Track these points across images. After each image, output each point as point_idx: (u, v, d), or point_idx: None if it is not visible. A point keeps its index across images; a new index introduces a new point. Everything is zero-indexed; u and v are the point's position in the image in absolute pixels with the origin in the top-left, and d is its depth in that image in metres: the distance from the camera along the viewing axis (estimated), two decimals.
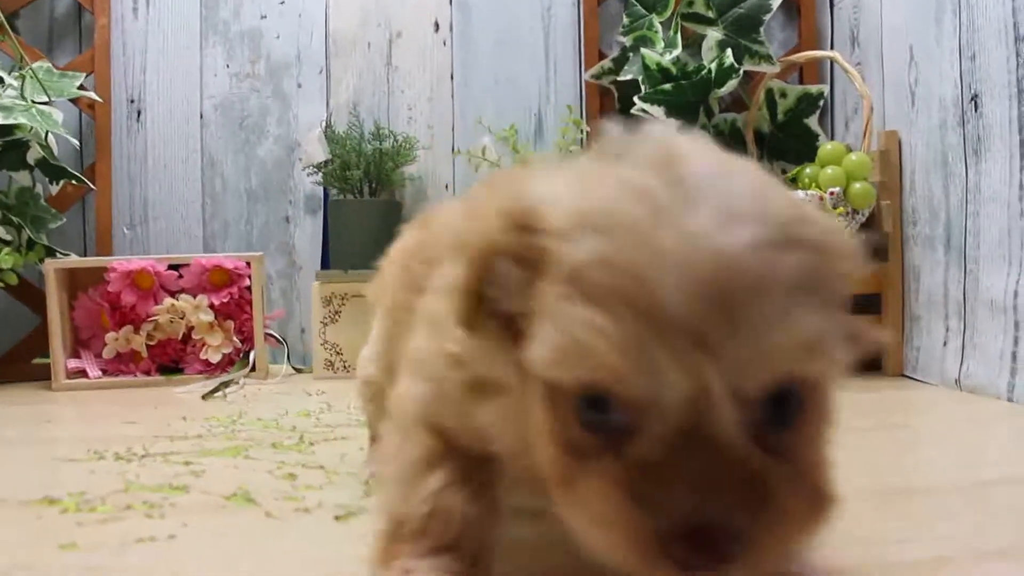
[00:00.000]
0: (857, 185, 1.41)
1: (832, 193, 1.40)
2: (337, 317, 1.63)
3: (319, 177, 1.78)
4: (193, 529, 0.68)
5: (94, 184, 1.80)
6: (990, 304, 1.23)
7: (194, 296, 1.62)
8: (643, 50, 1.57)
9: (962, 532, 0.63)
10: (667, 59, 1.55)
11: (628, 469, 0.32)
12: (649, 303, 0.30)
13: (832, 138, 1.74)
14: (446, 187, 1.90)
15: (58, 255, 1.65)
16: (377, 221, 1.69)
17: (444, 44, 1.91)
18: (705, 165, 0.33)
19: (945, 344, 1.35)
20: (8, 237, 1.58)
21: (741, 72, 1.54)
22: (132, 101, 1.90)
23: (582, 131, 1.69)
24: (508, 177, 0.45)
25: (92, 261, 1.66)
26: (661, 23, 1.64)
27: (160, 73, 1.91)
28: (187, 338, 1.63)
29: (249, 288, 1.64)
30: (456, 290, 0.38)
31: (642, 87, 1.56)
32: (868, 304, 1.50)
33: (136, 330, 1.61)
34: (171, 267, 1.64)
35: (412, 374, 0.49)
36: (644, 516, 0.31)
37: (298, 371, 1.78)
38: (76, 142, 1.74)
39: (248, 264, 1.64)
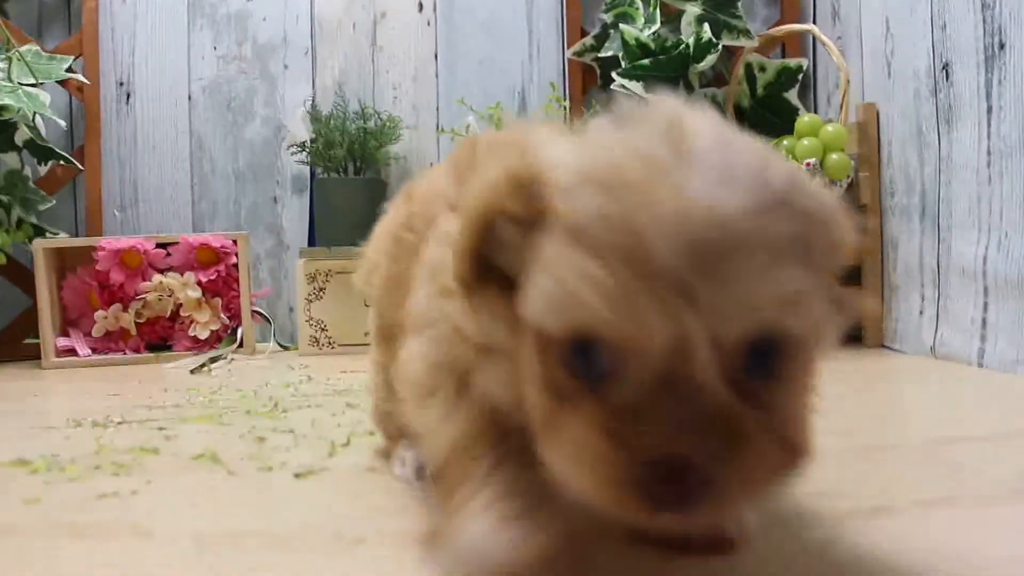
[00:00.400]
0: (833, 156, 1.42)
1: (808, 165, 1.41)
2: (322, 294, 1.66)
3: (304, 156, 1.80)
4: (156, 486, 0.70)
5: (84, 166, 1.82)
6: (961, 271, 1.24)
7: (181, 274, 1.64)
8: (622, 26, 1.58)
9: (905, 485, 0.65)
10: (646, 35, 1.56)
11: (608, 411, 0.33)
12: (639, 255, 0.31)
13: (815, 112, 1.75)
14: (431, 165, 1.91)
15: (47, 235, 1.67)
16: (362, 199, 1.71)
17: (428, 24, 1.93)
18: (709, 134, 0.34)
19: (921, 313, 1.37)
20: None
21: (720, 47, 1.55)
22: (121, 84, 1.92)
23: (564, 108, 1.70)
24: (506, 140, 0.45)
25: (80, 241, 1.69)
26: (642, 0, 1.65)
27: (149, 56, 1.93)
28: (175, 316, 1.66)
29: (236, 266, 1.66)
30: (456, 251, 0.39)
31: (622, 63, 1.57)
32: (848, 275, 1.50)
33: (125, 308, 1.63)
34: (159, 246, 1.66)
35: (417, 331, 0.48)
36: (619, 454, 0.32)
37: (285, 348, 1.81)
38: (63, 123, 1.76)
39: (235, 242, 1.67)
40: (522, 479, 0.42)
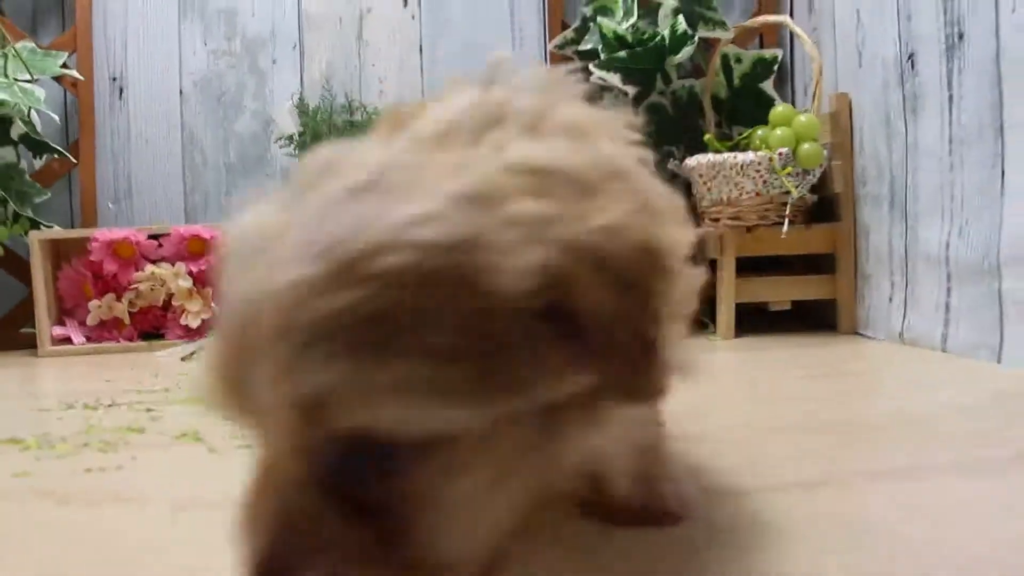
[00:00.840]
0: (806, 145, 1.45)
1: (781, 154, 1.45)
2: None
3: (292, 149, 1.84)
4: (140, 461, 0.75)
5: (78, 160, 1.86)
6: (927, 258, 1.28)
7: (173, 264, 1.68)
8: (600, 19, 1.61)
9: (851, 458, 0.69)
10: (623, 27, 1.60)
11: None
12: (224, 337, 0.30)
13: (793, 102, 1.78)
14: None
15: (42, 227, 1.71)
16: None
17: (412, 18, 1.96)
18: (348, 182, 0.30)
19: (891, 300, 1.40)
20: None
21: (696, 39, 1.58)
22: (114, 79, 1.96)
23: None
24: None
25: (75, 232, 1.73)
26: None
27: (141, 51, 1.97)
28: (167, 305, 1.70)
29: None
30: None
31: (601, 56, 1.61)
32: (822, 264, 1.55)
33: (118, 298, 1.68)
34: (151, 237, 1.70)
35: None
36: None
37: None
38: (57, 118, 1.80)
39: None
40: None
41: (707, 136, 1.58)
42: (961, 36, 1.16)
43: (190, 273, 1.68)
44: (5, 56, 1.67)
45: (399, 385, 0.27)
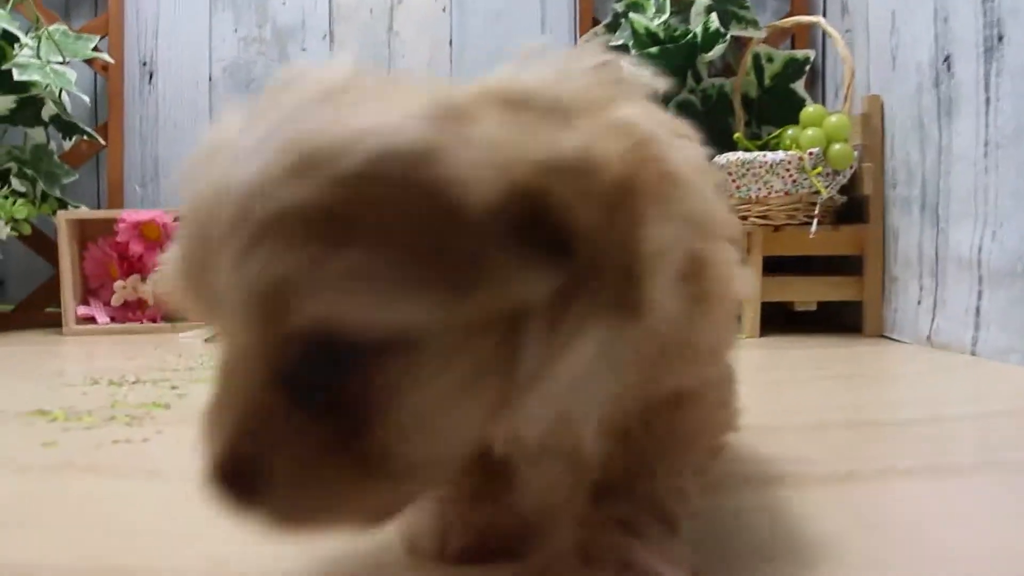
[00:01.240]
0: (836, 146, 1.44)
1: (811, 154, 1.43)
2: None
3: None
4: (166, 435, 0.75)
5: (106, 142, 1.87)
6: (958, 261, 1.26)
7: None
8: (632, 14, 1.60)
9: (879, 455, 0.68)
10: (655, 23, 1.59)
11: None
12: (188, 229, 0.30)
13: (823, 103, 1.77)
14: None
15: (70, 208, 1.72)
16: None
17: (443, 11, 1.96)
18: (318, 90, 0.30)
19: (919, 303, 1.39)
20: (23, 189, 1.66)
21: (729, 37, 1.57)
22: (144, 64, 1.97)
23: None
24: None
25: (102, 213, 1.75)
26: None
27: (171, 37, 1.98)
28: None
29: None
30: None
31: (631, 52, 1.60)
32: (849, 266, 1.53)
33: (143, 279, 1.69)
34: (177, 219, 1.71)
35: None
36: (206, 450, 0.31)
37: None
38: (87, 99, 1.81)
39: None
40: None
41: (736, 135, 1.57)
42: (1001, 38, 1.15)
43: None
44: (38, 38, 1.69)
45: (354, 275, 0.26)
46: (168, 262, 0.31)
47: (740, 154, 1.48)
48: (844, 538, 0.46)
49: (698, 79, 1.63)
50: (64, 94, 1.74)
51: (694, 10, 1.60)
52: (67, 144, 1.81)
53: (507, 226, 0.28)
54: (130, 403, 0.89)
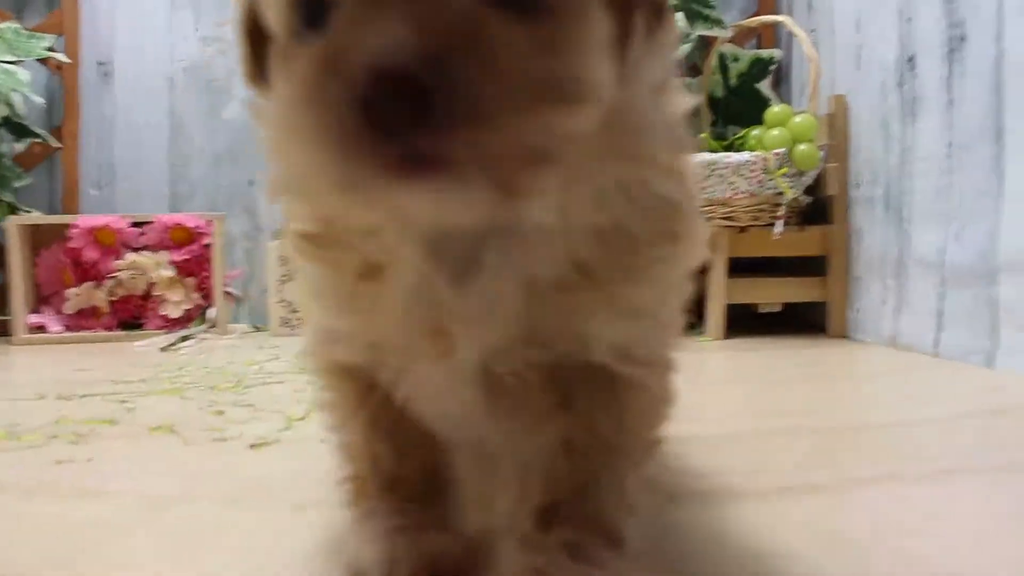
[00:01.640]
0: (801, 146, 1.43)
1: (777, 154, 1.43)
2: (293, 276, 1.67)
3: None
4: (111, 454, 0.72)
5: (62, 144, 1.82)
6: (921, 262, 1.26)
7: (155, 253, 1.65)
8: None
9: (841, 463, 0.67)
10: None
11: (328, 38, 0.26)
12: None
13: (790, 103, 1.76)
14: None
15: (21, 212, 1.67)
16: None
17: None
18: None
19: (883, 303, 1.39)
20: None
21: (696, 36, 1.56)
22: (101, 63, 1.92)
23: None
24: None
25: (55, 218, 1.70)
26: None
27: (130, 37, 1.93)
28: (148, 294, 1.67)
29: (209, 246, 1.67)
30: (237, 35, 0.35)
31: None
32: (815, 267, 1.53)
33: (98, 286, 1.64)
34: (134, 225, 1.67)
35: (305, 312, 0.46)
36: (334, 80, 0.24)
37: (258, 329, 1.82)
38: (41, 100, 1.76)
39: (209, 223, 1.67)
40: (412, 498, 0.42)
41: (702, 135, 1.56)
42: (963, 39, 1.15)
43: (172, 263, 1.65)
44: None
45: None
46: None
47: (705, 155, 1.47)
48: (796, 552, 0.45)
49: None
50: (15, 95, 1.69)
51: None
52: (19, 147, 1.75)
53: None
54: (76, 419, 0.86)
